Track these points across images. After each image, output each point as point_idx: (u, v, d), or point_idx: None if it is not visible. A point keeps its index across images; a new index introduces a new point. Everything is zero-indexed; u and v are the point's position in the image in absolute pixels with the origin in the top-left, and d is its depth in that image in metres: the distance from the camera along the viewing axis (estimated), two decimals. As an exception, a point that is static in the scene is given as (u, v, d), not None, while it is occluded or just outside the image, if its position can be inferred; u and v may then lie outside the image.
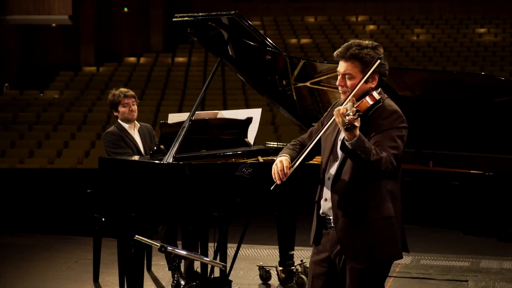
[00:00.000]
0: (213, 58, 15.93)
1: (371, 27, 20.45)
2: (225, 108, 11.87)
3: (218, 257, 4.91)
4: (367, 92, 3.07)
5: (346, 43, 3.14)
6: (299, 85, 4.85)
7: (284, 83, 4.93)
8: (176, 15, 4.74)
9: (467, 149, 4.47)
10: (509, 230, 3.77)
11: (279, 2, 21.71)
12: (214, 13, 4.54)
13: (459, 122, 4.40)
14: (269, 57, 4.79)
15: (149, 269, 5.93)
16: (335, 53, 3.14)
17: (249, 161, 4.51)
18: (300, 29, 20.48)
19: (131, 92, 5.52)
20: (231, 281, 4.97)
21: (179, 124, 4.65)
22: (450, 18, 20.54)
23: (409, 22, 20.62)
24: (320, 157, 3.27)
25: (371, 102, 3.02)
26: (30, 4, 18.61)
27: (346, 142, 2.89)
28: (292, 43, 19.16)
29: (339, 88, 3.14)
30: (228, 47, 4.85)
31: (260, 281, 5.58)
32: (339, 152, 3.08)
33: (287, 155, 3.21)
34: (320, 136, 3.19)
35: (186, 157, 4.55)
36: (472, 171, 4.03)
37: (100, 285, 5.58)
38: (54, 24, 20.01)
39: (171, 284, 5.07)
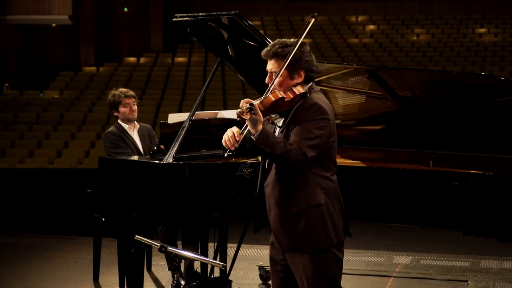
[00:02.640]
0: (213, 58, 15.91)
1: (371, 27, 20.45)
2: (225, 108, 11.85)
3: (218, 257, 4.91)
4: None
5: (272, 42, 3.18)
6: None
7: (284, 83, 4.92)
8: (176, 15, 4.73)
9: (467, 149, 4.47)
10: (509, 230, 3.77)
11: (279, 2, 21.71)
12: (214, 13, 4.53)
13: (459, 122, 4.40)
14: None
15: (149, 269, 5.93)
16: (262, 52, 3.19)
17: (249, 161, 4.51)
18: (300, 29, 20.32)
19: (131, 92, 5.53)
20: (231, 281, 4.98)
21: (179, 124, 4.65)
22: (450, 18, 20.53)
23: (409, 22, 20.61)
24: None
25: (286, 96, 3.02)
26: (30, 4, 18.60)
27: (252, 136, 2.93)
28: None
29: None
30: (228, 47, 4.84)
31: (260, 281, 5.58)
32: None
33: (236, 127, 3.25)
34: None
35: (186, 157, 4.55)
36: (472, 171, 4.03)
37: (100, 285, 5.57)
38: (54, 24, 20.01)
39: (171, 284, 5.06)
